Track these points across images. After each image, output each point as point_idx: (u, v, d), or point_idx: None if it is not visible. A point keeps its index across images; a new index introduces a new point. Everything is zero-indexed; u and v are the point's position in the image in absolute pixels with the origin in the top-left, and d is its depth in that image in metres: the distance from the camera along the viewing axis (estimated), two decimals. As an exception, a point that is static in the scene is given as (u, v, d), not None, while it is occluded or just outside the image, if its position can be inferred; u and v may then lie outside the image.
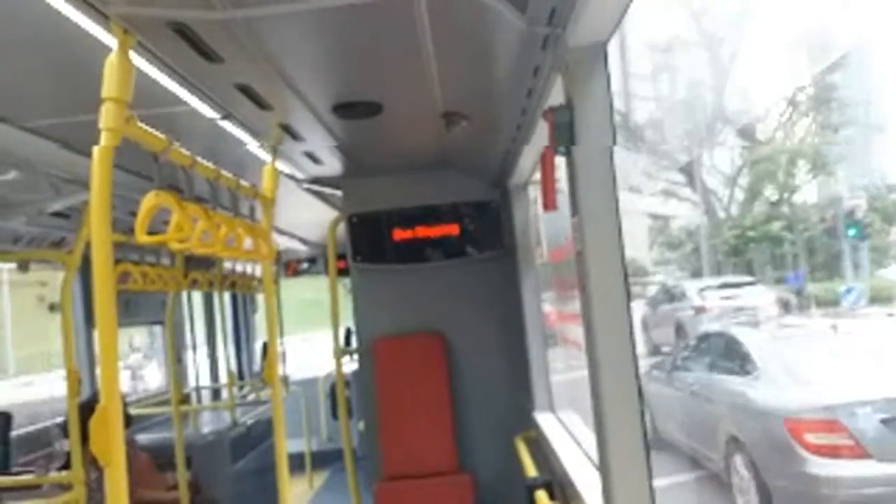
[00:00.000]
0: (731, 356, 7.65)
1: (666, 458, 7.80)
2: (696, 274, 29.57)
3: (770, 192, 32.90)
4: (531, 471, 3.40)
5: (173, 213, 2.11)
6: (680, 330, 15.34)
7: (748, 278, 20.41)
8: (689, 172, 35.58)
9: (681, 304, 17.08)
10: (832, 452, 5.73)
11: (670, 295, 19.41)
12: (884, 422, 5.75)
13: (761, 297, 16.72)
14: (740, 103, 33.56)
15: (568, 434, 3.51)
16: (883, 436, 5.68)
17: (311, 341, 8.69)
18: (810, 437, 5.83)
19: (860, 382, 6.20)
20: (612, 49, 1.97)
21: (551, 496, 2.89)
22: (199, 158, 2.31)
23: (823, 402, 6.03)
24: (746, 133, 34.54)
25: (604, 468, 1.99)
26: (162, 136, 2.01)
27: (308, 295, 9.07)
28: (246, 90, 2.44)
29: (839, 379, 6.40)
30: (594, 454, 2.41)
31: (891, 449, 5.64)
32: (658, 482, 1.95)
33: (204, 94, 2.45)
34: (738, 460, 6.65)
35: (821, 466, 5.74)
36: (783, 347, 7.72)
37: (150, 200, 2.02)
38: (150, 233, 2.16)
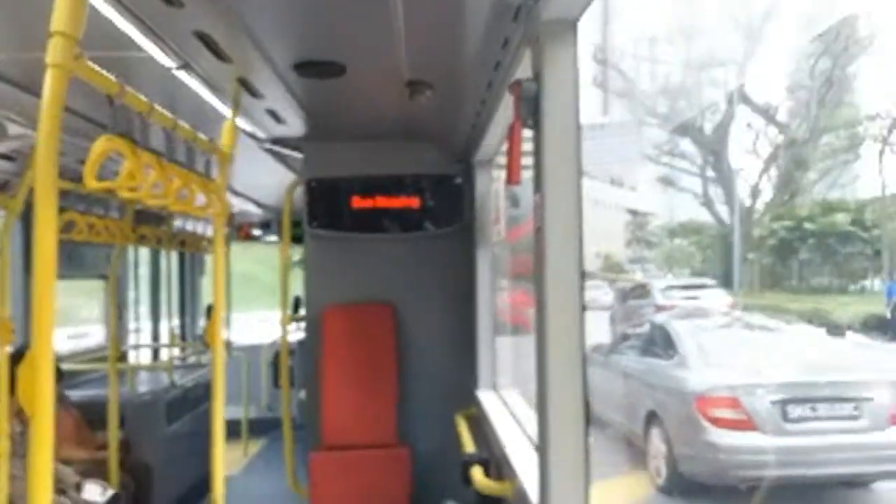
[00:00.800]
0: (659, 343, 8.71)
1: (596, 433, 8.54)
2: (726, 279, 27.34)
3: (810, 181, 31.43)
4: (469, 447, 3.41)
5: (126, 161, 2.03)
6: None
7: (710, 281, 22.30)
8: (716, 151, 33.05)
9: (646, 302, 18.14)
10: (729, 426, 6.86)
11: (639, 292, 20.69)
12: (773, 402, 6.92)
13: (720, 299, 18.38)
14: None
15: (509, 413, 3.53)
16: (770, 414, 6.86)
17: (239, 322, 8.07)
18: (713, 412, 6.96)
19: (759, 370, 7.49)
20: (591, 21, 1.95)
21: (487, 473, 2.90)
22: (156, 106, 2.23)
23: (727, 383, 7.16)
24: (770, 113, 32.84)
25: (542, 447, 1.99)
26: (115, 79, 1.92)
27: (239, 267, 7.81)
28: (205, 39, 2.36)
29: (743, 366, 7.65)
30: (534, 433, 2.43)
31: (775, 425, 6.80)
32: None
33: (161, 39, 2.36)
34: (655, 432, 7.69)
35: (719, 437, 6.86)
36: (702, 337, 8.72)
37: (102, 144, 1.94)
38: (101, 181, 2.08)
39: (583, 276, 1.97)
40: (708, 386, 7.24)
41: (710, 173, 37.19)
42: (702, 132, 35.76)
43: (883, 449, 6.72)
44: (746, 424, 6.87)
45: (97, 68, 1.79)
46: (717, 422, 6.94)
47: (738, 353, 8.28)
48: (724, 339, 9.10)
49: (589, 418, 1.96)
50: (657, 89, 35.32)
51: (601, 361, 9.66)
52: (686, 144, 37.73)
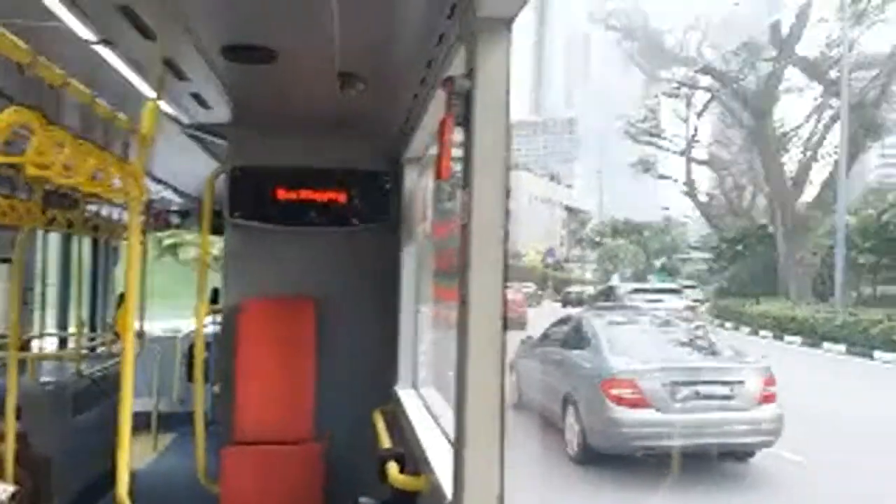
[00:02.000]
0: (577, 337, 10.10)
1: (525, 415, 10.33)
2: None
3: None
4: (386, 443, 3.40)
5: (34, 134, 1.93)
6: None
7: (672, 285, 24.80)
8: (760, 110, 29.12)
9: (614, 304, 20.13)
10: (628, 404, 8.24)
11: (607, 295, 23.40)
12: (663, 384, 8.30)
13: (679, 302, 20.31)
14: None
15: (426, 410, 3.54)
16: (662, 394, 8.25)
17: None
18: (615, 392, 8.32)
19: (654, 357, 8.95)
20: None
21: (402, 469, 2.90)
22: (72, 81, 2.13)
23: (627, 368, 8.56)
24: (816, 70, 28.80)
25: (458, 443, 2.00)
26: (27, 47, 1.82)
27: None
28: (128, 13, 2.27)
29: (643, 354, 9.06)
30: (451, 430, 2.44)
31: (665, 403, 8.22)
32: (515, 432, 2.03)
33: (81, 10, 2.25)
34: (570, 411, 9.05)
35: (619, 412, 8.25)
36: (612, 331, 10.13)
37: (8, 116, 1.84)
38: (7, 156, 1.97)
39: (506, 273, 1.99)
40: (611, 370, 8.61)
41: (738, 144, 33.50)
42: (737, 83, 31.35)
43: (750, 423, 8.30)
44: (642, 402, 8.21)
45: (7, 34, 1.69)
46: (618, 400, 8.26)
47: (641, 345, 9.70)
48: (631, 334, 10.52)
49: (504, 416, 1.98)
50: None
51: (527, 352, 11.28)
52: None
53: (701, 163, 38.03)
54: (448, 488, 2.15)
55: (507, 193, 1.97)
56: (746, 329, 24.21)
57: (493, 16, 1.91)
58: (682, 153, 37.48)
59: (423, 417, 3.40)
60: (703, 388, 8.42)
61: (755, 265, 29.95)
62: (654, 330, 11.25)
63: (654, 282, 35.05)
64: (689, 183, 37.67)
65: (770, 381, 8.66)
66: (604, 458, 8.52)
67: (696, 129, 37.63)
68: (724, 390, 8.46)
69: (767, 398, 8.47)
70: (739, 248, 31.74)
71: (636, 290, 21.72)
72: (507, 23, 1.94)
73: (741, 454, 8.61)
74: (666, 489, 7.92)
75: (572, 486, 8.25)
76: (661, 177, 41.07)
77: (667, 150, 38.84)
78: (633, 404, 8.24)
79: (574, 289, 38.71)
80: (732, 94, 32.35)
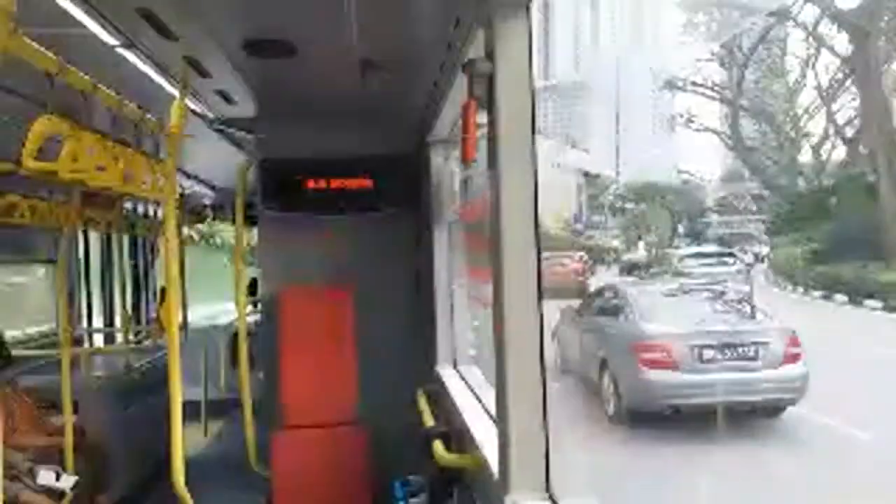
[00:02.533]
0: (613, 303, 10.56)
1: (568, 380, 10.70)
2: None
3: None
4: (430, 422, 3.46)
5: (67, 141, 1.99)
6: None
7: (725, 249, 22.80)
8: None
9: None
10: (655, 365, 8.72)
11: (660, 262, 23.81)
12: (690, 347, 8.74)
13: (732, 266, 19.84)
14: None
15: (468, 388, 3.58)
16: (688, 356, 8.72)
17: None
18: (644, 355, 8.80)
19: (683, 322, 9.29)
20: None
21: (447, 446, 2.95)
22: (100, 86, 2.18)
23: (657, 332, 9.05)
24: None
25: (501, 419, 2.03)
26: (55, 56, 1.87)
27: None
28: (149, 16, 2.30)
29: (674, 319, 9.49)
30: (492, 407, 2.47)
31: (692, 365, 8.68)
32: (559, 396, 2.06)
33: (103, 16, 2.29)
34: (606, 374, 9.48)
35: (648, 374, 8.70)
36: (646, 298, 10.62)
37: (41, 125, 1.90)
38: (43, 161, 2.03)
39: (538, 250, 2.01)
40: (642, 335, 9.14)
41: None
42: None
43: (773, 381, 8.67)
44: (670, 364, 8.69)
45: (35, 45, 1.73)
46: (647, 363, 8.75)
47: (672, 310, 10.15)
48: (664, 300, 11.06)
49: (546, 391, 2.00)
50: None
51: (570, 321, 11.67)
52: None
53: (745, 111, 34.44)
54: (494, 465, 2.18)
55: (535, 171, 1.98)
56: (876, 304, 17.57)
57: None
58: (726, 102, 34.23)
59: (465, 395, 3.44)
60: (728, 350, 8.83)
61: (848, 224, 23.82)
62: (689, 296, 11.44)
63: (684, 247, 34.08)
64: (735, 134, 34.43)
65: (795, 342, 8.94)
66: (637, 416, 8.91)
67: (742, 74, 33.84)
68: (749, 351, 8.84)
69: (792, 358, 8.81)
70: (832, 201, 25.99)
71: (689, 256, 21.39)
72: (524, 4, 1.93)
73: (771, 410, 8.96)
74: (697, 443, 8.44)
75: (611, 443, 8.79)
76: (700, 129, 38.44)
77: (713, 97, 35.65)
78: (662, 366, 8.71)
79: (630, 256, 37.71)
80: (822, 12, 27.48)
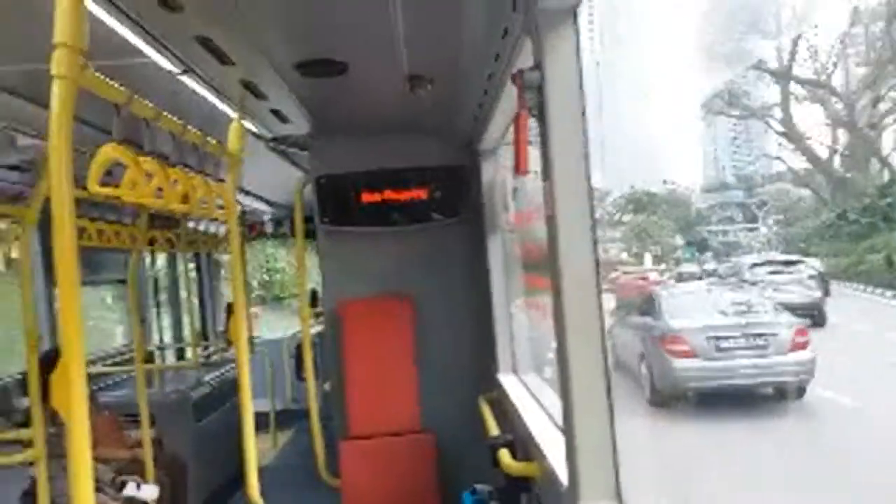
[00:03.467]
0: (649, 305, 12.44)
1: (619, 373, 12.03)
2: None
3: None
4: (494, 430, 3.46)
5: (127, 168, 2.08)
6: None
7: (790, 257, 23.44)
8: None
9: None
10: (680, 356, 10.44)
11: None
12: (707, 338, 10.45)
13: (801, 274, 20.53)
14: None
15: (530, 395, 3.58)
16: (706, 346, 10.42)
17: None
18: (669, 346, 10.58)
19: (701, 318, 11.05)
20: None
21: (513, 455, 2.95)
22: (163, 112, 2.27)
23: (680, 327, 10.82)
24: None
25: (568, 428, 2.03)
26: (121, 87, 1.96)
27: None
28: (206, 43, 2.39)
29: (693, 316, 11.23)
30: (556, 414, 2.46)
31: (709, 353, 10.34)
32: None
33: (163, 46, 2.40)
34: (643, 364, 11.30)
35: (673, 362, 10.45)
36: (674, 299, 12.82)
37: (104, 153, 1.99)
38: (109, 187, 2.12)
39: (597, 258, 1.99)
40: (668, 330, 10.87)
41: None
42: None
43: (783, 366, 10.31)
44: (691, 353, 10.42)
45: (103, 77, 1.82)
46: (672, 353, 10.48)
47: (697, 309, 11.88)
48: (691, 299, 13.41)
49: (612, 398, 1.99)
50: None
51: (618, 321, 13.66)
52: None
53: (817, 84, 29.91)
54: (562, 474, 2.17)
55: (590, 181, 1.97)
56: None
57: (555, 7, 1.90)
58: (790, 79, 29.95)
59: (528, 402, 3.44)
60: (741, 340, 10.47)
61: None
62: (718, 296, 13.12)
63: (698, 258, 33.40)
64: (789, 126, 31.05)
65: (802, 333, 10.66)
66: (670, 399, 10.60)
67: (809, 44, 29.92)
68: (760, 341, 10.45)
69: (799, 346, 10.44)
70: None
71: (755, 265, 22.14)
72: (571, 11, 1.92)
73: (794, 391, 10.51)
74: (724, 417, 10.21)
75: (648, 421, 10.46)
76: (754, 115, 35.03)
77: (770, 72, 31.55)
78: (684, 355, 10.41)
79: (684, 269, 36.75)
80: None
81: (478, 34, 2.50)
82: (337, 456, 4.20)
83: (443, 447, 4.17)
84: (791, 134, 33.05)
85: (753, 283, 18.30)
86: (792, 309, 14.09)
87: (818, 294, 17.40)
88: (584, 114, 1.96)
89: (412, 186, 4.25)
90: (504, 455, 2.92)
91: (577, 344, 1.96)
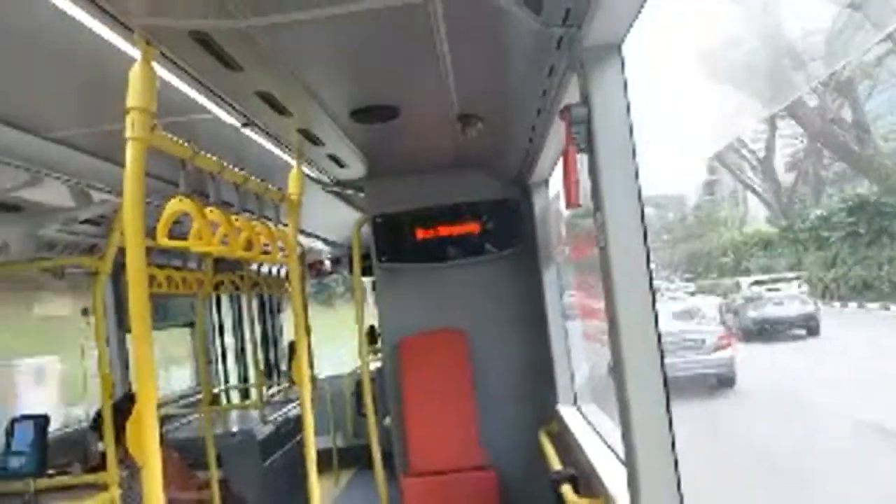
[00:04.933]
0: None
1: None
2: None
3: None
4: (556, 464, 3.42)
5: (194, 220, 2.17)
6: (736, 311, 21.24)
7: (786, 274, 25.45)
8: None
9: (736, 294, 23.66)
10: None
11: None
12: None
13: (795, 289, 22.68)
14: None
15: (591, 428, 3.53)
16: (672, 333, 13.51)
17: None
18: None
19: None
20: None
21: (576, 490, 2.92)
22: (225, 164, 2.38)
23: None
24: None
25: (630, 463, 2.01)
26: (186, 144, 2.06)
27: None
28: (266, 97, 2.50)
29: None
30: (618, 447, 2.44)
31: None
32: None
33: (225, 101, 2.51)
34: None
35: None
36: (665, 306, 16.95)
37: (173, 206, 2.09)
38: (177, 237, 2.23)
39: (653, 291, 1.99)
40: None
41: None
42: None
43: (711, 362, 14.15)
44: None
45: (170, 136, 1.93)
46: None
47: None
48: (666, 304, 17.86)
49: (673, 432, 1.96)
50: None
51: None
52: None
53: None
54: None
55: (643, 213, 1.97)
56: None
57: (600, 43, 1.94)
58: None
59: (589, 435, 3.40)
60: (681, 343, 13.85)
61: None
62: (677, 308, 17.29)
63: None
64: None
65: (724, 337, 14.81)
66: None
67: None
68: (692, 344, 14.09)
69: (722, 347, 14.35)
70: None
71: (755, 283, 24.56)
72: (616, 47, 1.96)
73: (725, 380, 14.32)
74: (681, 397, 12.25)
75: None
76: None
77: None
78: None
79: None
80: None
81: (524, 73, 2.54)
82: (399, 493, 4.20)
83: (505, 482, 4.13)
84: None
85: (752, 300, 20.75)
86: (790, 321, 18.80)
87: (810, 308, 19.45)
88: (633, 145, 1.97)
89: (465, 221, 4.30)
90: (567, 491, 2.89)
91: (636, 377, 1.95)
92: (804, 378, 14.24)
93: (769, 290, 21.78)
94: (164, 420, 5.03)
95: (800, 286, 23.14)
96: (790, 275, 25.44)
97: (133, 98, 1.71)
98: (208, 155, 2.26)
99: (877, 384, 12.55)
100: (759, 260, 31.33)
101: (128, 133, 1.71)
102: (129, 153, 1.70)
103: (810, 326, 18.83)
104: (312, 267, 7.94)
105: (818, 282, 25.22)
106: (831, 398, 12.19)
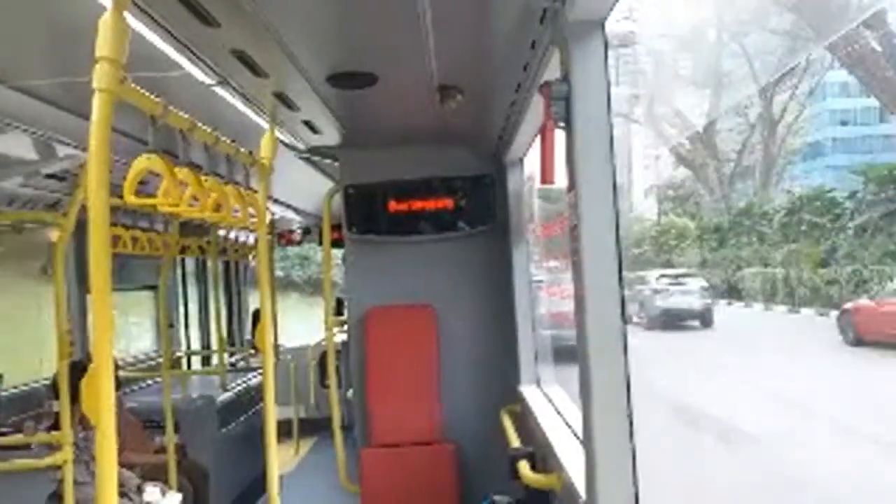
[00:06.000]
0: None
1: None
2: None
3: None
4: (515, 442, 3.45)
5: (163, 178, 2.12)
6: (641, 304, 22.79)
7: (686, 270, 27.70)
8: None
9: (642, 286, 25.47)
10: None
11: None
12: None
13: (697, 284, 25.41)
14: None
15: (552, 408, 3.57)
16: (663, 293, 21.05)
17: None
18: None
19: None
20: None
21: (533, 467, 2.94)
22: (197, 123, 2.32)
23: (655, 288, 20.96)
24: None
25: (587, 440, 2.02)
26: (157, 99, 2.00)
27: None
28: (241, 56, 2.44)
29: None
30: (578, 427, 2.46)
31: (664, 297, 21.81)
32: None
33: (199, 59, 2.45)
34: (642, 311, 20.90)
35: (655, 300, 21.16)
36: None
37: (140, 163, 2.04)
38: (143, 196, 2.18)
39: (620, 271, 1.99)
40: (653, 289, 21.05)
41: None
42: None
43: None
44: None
45: (141, 90, 1.87)
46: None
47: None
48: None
49: (632, 411, 1.98)
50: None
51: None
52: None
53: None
54: (581, 487, 2.17)
55: (616, 193, 1.97)
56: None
57: (584, 18, 1.91)
58: None
59: (550, 415, 3.43)
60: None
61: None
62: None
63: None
64: None
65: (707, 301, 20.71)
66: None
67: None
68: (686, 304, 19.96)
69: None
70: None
71: (662, 276, 25.88)
72: (599, 24, 1.93)
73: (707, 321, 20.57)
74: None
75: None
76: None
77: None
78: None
79: None
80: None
81: (507, 46, 2.52)
82: (358, 464, 4.21)
83: (463, 457, 4.16)
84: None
85: (659, 291, 22.74)
86: (690, 312, 21.58)
87: (708, 301, 22.52)
88: (610, 125, 1.96)
89: (439, 196, 4.27)
90: (523, 466, 2.91)
91: (599, 355, 1.96)
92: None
93: (672, 284, 23.94)
94: (122, 382, 4.96)
95: (700, 281, 25.96)
96: (692, 271, 28.07)
97: (102, 47, 1.65)
98: (179, 113, 2.20)
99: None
100: (665, 256, 33.15)
101: (95, 84, 1.64)
102: (96, 105, 1.64)
103: (705, 318, 21.89)
104: (282, 236, 7.86)
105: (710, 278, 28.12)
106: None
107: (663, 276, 26.86)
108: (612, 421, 1.96)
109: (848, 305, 17.42)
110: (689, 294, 22.28)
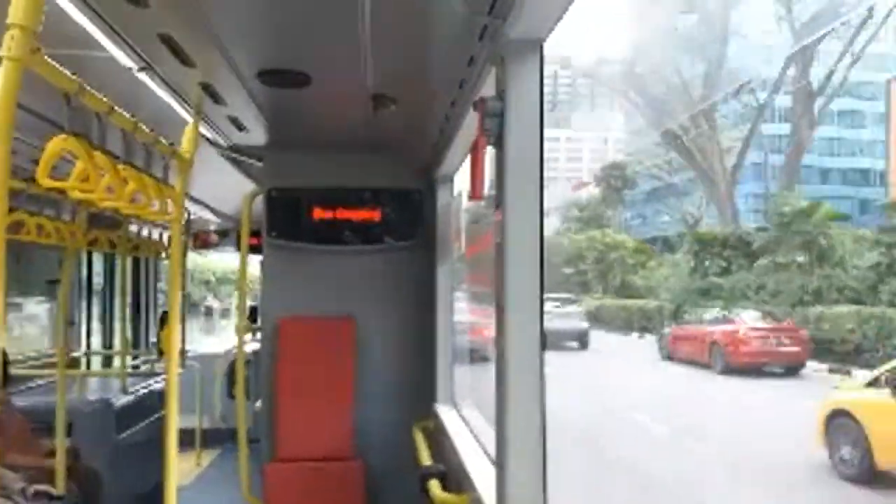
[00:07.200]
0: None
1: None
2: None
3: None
4: (426, 460, 3.41)
5: (79, 162, 2.01)
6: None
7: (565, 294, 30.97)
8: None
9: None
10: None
11: None
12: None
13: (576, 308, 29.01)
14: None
15: (467, 428, 3.54)
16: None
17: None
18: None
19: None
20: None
21: (444, 486, 2.91)
22: (115, 108, 2.21)
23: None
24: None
25: (500, 461, 2.01)
26: (74, 77, 1.89)
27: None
28: (168, 41, 2.34)
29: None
30: (492, 448, 2.44)
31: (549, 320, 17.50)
32: None
33: (123, 40, 2.33)
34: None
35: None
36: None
37: (56, 144, 1.92)
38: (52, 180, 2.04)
39: (542, 291, 2.00)
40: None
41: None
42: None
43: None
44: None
45: (55, 65, 1.76)
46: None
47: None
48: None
49: (546, 434, 1.98)
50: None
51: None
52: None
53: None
54: None
55: (542, 213, 1.98)
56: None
57: (523, 38, 1.93)
58: None
59: (464, 435, 3.41)
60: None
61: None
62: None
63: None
64: None
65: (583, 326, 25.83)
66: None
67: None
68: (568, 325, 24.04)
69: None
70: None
71: (548, 299, 29.34)
72: (537, 44, 1.95)
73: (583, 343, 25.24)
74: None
75: None
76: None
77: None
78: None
79: None
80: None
81: (444, 60, 2.51)
82: (263, 478, 4.07)
83: (373, 475, 4.08)
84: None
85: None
86: (569, 334, 24.73)
87: (586, 325, 26.43)
88: (542, 145, 1.97)
89: (366, 207, 4.21)
90: (433, 485, 2.88)
91: (517, 375, 1.96)
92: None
93: (556, 307, 26.67)
94: (11, 379, 4.65)
95: (578, 307, 29.61)
96: (573, 297, 32.07)
97: (15, 14, 1.53)
98: (96, 94, 2.08)
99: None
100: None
101: (3, 51, 1.53)
102: (3, 73, 1.53)
103: (583, 341, 25.63)
104: (197, 237, 7.59)
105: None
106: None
107: (550, 299, 30.11)
108: (526, 441, 1.96)
109: (666, 331, 24.32)
110: (570, 318, 25.57)
